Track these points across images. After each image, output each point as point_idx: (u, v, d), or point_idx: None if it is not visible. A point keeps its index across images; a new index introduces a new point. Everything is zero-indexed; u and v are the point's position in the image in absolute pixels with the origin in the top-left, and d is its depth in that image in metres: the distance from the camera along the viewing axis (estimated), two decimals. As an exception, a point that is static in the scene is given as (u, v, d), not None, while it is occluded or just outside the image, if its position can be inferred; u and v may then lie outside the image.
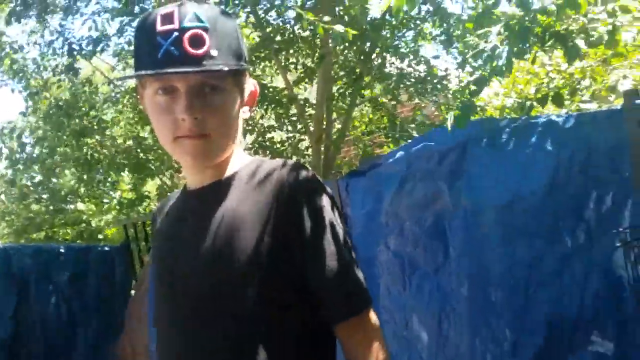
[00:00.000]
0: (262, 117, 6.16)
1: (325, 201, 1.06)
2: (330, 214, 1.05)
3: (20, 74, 6.02)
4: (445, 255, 2.31)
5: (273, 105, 5.73)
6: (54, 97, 5.99)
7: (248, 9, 5.28)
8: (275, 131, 6.22)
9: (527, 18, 1.88)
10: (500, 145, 2.13)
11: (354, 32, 3.64)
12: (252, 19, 5.47)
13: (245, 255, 1.01)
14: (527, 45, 1.96)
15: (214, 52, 1.00)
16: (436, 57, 5.47)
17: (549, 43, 2.03)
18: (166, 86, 1.01)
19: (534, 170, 2.05)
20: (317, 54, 5.34)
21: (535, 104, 2.47)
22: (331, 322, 1.04)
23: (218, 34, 1.01)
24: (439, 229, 2.31)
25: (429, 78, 5.15)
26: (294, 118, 6.00)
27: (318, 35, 4.81)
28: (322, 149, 5.42)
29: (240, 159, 1.13)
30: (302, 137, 6.14)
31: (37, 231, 8.13)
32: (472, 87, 2.18)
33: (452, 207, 2.25)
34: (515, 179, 2.08)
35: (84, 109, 6.02)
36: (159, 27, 1.00)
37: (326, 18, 3.71)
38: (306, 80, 5.84)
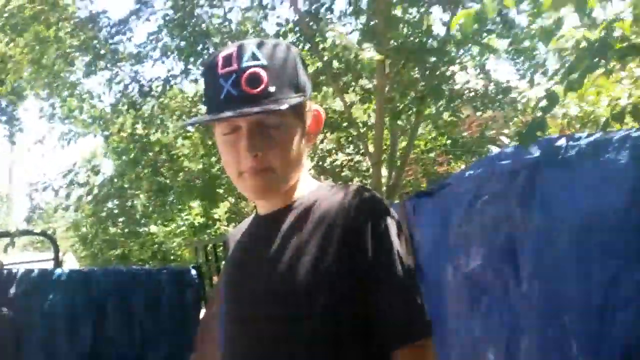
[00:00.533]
0: (322, 141, 6.20)
1: (391, 224, 1.03)
2: (395, 238, 1.03)
3: (100, 121, 6.41)
4: (516, 277, 2.20)
5: (332, 129, 5.77)
6: (129, 134, 6.34)
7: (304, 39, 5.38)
8: (336, 154, 6.22)
9: (605, 32, 1.77)
10: (575, 162, 2.01)
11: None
12: (308, 49, 5.56)
13: (310, 280, 1.00)
14: (606, 60, 1.84)
15: (272, 89, 1.01)
16: (483, 71, 5.33)
17: (629, 57, 1.90)
18: (230, 125, 1.04)
19: (612, 188, 1.91)
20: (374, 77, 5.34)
21: (610, 119, 2.32)
22: (387, 347, 0.99)
23: (276, 70, 1.02)
24: (509, 250, 2.20)
25: (491, 91, 5.02)
26: (354, 140, 5.98)
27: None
28: (384, 169, 5.36)
29: (307, 185, 1.13)
30: (362, 158, 6.10)
31: (111, 250, 8.53)
32: (543, 104, 2.07)
33: (523, 228, 2.14)
34: (591, 197, 1.95)
35: (156, 147, 6.36)
36: (220, 70, 1.02)
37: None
38: (365, 102, 5.83)
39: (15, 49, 5.99)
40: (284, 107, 1.00)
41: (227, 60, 1.02)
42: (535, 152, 2.07)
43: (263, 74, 1.01)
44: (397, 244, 1.03)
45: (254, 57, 1.02)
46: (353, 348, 1.00)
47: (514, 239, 2.18)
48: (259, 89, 1.00)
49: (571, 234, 1.98)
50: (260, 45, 1.04)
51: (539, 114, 2.18)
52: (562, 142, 2.08)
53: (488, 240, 2.25)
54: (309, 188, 1.12)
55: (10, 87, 6.58)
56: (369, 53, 3.68)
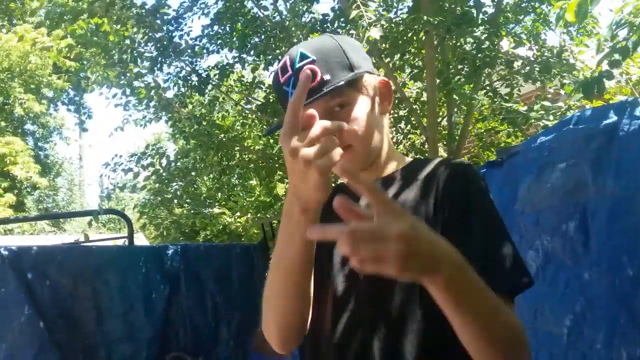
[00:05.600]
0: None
1: (481, 183, 1.06)
2: (485, 193, 1.05)
3: (168, 107, 6.61)
4: (585, 246, 2.06)
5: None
6: (193, 117, 6.46)
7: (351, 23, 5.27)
8: (391, 133, 6.11)
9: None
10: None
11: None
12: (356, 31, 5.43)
13: None
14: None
15: (326, 77, 1.06)
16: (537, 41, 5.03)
17: None
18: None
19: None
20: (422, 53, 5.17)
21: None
22: None
23: (325, 59, 1.08)
24: (580, 217, 2.06)
25: (545, 58, 4.75)
26: (407, 117, 5.84)
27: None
28: (441, 144, 5.21)
29: (399, 160, 1.17)
30: (418, 135, 5.96)
31: (179, 232, 8.74)
32: (614, 57, 1.90)
33: (596, 195, 1.99)
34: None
35: (219, 130, 6.46)
36: (281, 79, 1.10)
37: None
38: (416, 78, 5.68)
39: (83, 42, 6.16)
40: (331, 87, 1.05)
41: (284, 69, 1.10)
42: (612, 115, 1.90)
43: (315, 67, 1.06)
44: (488, 197, 1.04)
45: (303, 56, 1.08)
46: None
47: (586, 207, 2.03)
48: (315, 82, 1.05)
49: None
50: (306, 45, 1.11)
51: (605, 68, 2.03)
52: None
53: (557, 207, 2.11)
54: (402, 162, 1.16)
55: (81, 76, 6.79)
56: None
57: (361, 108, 1.09)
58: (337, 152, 0.83)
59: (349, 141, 1.07)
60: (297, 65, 1.07)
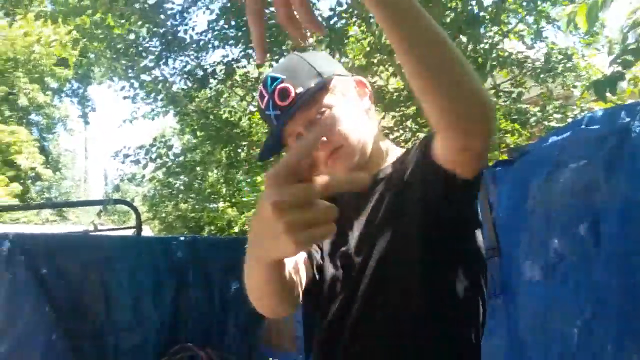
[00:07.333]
0: (383, 118, 6.11)
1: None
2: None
3: (175, 103, 6.62)
4: (596, 247, 2.07)
5: (391, 107, 5.67)
6: (202, 110, 6.44)
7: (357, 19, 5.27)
8: (398, 130, 6.11)
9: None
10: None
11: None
12: (363, 27, 5.43)
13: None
14: None
15: (299, 90, 1.11)
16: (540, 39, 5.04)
17: None
18: (297, 137, 1.14)
19: None
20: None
21: None
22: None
23: (293, 75, 1.13)
24: (591, 218, 2.08)
25: (553, 59, 4.76)
26: (414, 116, 5.84)
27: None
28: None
29: (394, 154, 1.20)
30: (423, 132, 5.97)
31: (184, 227, 8.75)
32: (627, 58, 1.93)
33: (609, 196, 2.00)
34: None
35: (226, 125, 6.45)
36: (262, 106, 1.16)
37: None
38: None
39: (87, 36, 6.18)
40: (309, 91, 1.10)
41: (261, 96, 1.15)
42: (624, 117, 1.92)
43: (286, 85, 1.12)
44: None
45: (274, 78, 1.13)
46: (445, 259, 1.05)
47: (598, 207, 2.05)
48: (290, 98, 1.11)
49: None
50: (274, 68, 1.17)
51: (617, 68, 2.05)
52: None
53: (569, 207, 2.12)
54: (395, 155, 1.18)
55: (83, 69, 6.86)
56: None
57: (339, 109, 1.13)
58: (328, 229, 0.60)
59: (338, 141, 1.11)
60: (271, 89, 1.13)
